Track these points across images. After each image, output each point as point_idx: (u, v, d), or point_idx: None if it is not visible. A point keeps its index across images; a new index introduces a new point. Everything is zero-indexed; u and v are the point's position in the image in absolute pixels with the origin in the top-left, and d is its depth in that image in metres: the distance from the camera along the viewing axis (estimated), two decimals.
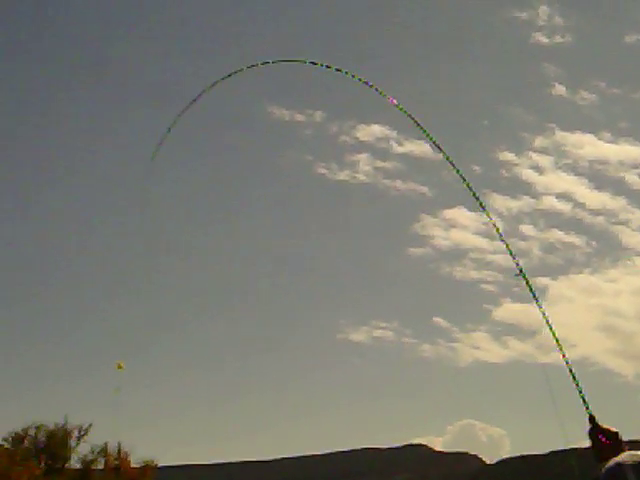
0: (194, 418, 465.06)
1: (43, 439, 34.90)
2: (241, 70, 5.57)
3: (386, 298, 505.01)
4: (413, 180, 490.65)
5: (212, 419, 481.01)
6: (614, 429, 3.45)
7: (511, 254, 4.14)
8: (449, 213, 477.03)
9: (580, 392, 3.93)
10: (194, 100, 6.01)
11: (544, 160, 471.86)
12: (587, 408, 3.86)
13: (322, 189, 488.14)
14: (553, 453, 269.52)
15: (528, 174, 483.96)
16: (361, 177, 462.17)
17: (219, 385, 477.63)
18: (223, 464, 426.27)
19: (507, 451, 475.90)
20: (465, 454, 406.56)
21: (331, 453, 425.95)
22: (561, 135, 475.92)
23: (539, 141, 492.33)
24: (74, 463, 35.09)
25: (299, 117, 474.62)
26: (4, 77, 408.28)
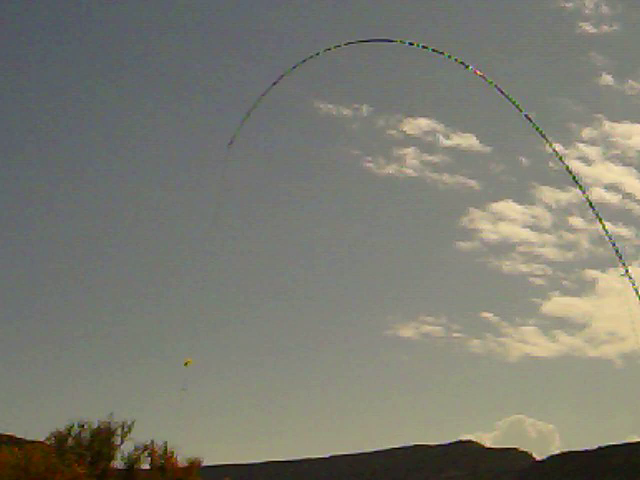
0: (239, 417, 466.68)
1: (87, 437, 34.88)
2: (329, 49, 5.31)
3: (434, 293, 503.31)
4: (460, 173, 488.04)
5: (258, 418, 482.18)
6: None
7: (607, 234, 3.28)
8: (497, 206, 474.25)
9: None
10: (274, 83, 5.73)
11: (592, 151, 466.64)
12: None
13: (369, 183, 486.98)
14: (602, 449, 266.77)
15: (576, 165, 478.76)
16: (408, 171, 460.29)
17: (266, 383, 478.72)
18: (269, 463, 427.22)
19: (557, 447, 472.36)
20: (515, 450, 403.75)
21: (381, 450, 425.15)
22: (609, 125, 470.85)
23: (587, 132, 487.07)
24: (119, 462, 35.01)
25: (346, 111, 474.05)
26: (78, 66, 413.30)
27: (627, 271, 4.29)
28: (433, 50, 5.41)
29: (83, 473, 26.65)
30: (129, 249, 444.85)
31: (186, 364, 29.63)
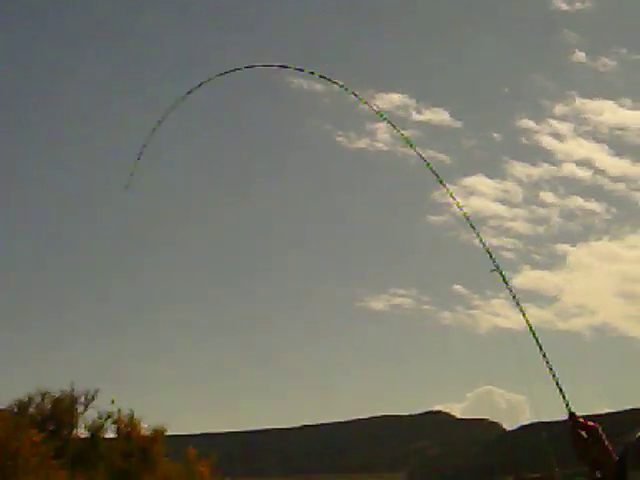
0: (206, 387, 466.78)
1: (49, 406, 34.20)
2: (233, 71, 4.70)
3: (405, 266, 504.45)
4: (432, 148, 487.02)
5: (228, 387, 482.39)
6: (592, 424, 2.86)
7: (486, 249, 4.37)
8: (468, 181, 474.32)
9: (560, 390, 3.34)
10: (189, 92, 5.07)
11: (564, 127, 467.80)
12: (567, 405, 3.36)
13: (341, 157, 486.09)
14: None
15: (548, 141, 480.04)
16: (380, 145, 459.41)
17: (235, 355, 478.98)
18: (241, 432, 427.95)
19: (527, 417, 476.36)
20: (485, 420, 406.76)
21: (351, 420, 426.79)
22: (581, 102, 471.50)
23: (559, 108, 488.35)
24: (82, 430, 34.37)
25: (317, 86, 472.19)
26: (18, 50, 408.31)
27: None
28: (321, 76, 4.92)
29: (40, 440, 25.94)
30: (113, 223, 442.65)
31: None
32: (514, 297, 3.44)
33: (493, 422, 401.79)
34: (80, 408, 34.67)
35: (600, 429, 2.83)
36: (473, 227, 3.52)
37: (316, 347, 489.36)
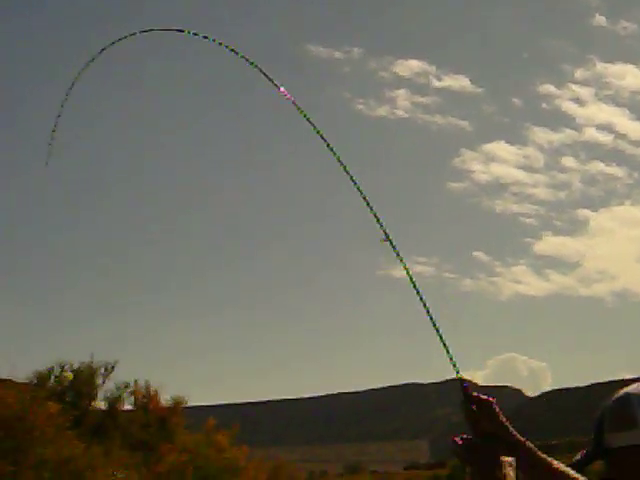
0: (226, 357, 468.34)
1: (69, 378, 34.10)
2: (132, 35, 4.18)
3: (426, 233, 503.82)
4: (452, 115, 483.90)
5: (247, 358, 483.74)
6: (486, 397, 2.68)
7: (374, 215, 3.27)
8: (489, 147, 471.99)
9: (447, 351, 2.80)
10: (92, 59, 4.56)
11: (585, 92, 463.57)
12: (455, 367, 2.86)
13: (361, 125, 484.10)
14: (593, 385, 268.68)
15: (569, 106, 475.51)
16: (400, 113, 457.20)
17: (256, 323, 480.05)
18: (264, 402, 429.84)
19: (549, 384, 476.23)
20: (507, 388, 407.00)
21: (374, 389, 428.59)
22: (602, 66, 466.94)
23: (580, 73, 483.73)
24: (100, 402, 34.24)
25: (337, 54, 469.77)
26: None
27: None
28: (226, 47, 4.56)
29: (57, 412, 25.81)
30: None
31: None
32: (405, 266, 3.27)
33: (515, 389, 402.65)
34: (99, 380, 34.53)
35: (495, 404, 2.70)
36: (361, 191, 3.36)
37: (338, 315, 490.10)
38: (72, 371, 33.82)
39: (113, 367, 34.31)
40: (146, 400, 35.43)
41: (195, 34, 4.25)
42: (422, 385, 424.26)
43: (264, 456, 48.48)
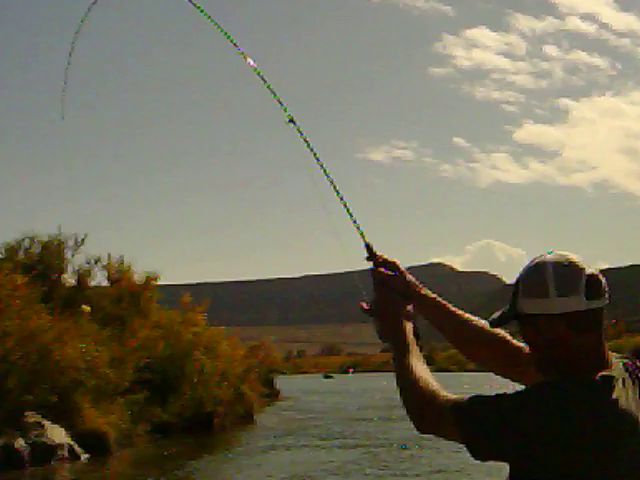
0: (208, 236, 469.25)
1: (37, 251, 32.85)
2: None
3: (406, 118, 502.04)
4: None
5: (224, 238, 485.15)
6: (391, 258, 2.82)
7: (277, 100, 3.13)
8: (471, 33, 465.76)
9: (354, 222, 2.93)
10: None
11: None
12: (362, 236, 2.96)
13: (339, 10, 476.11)
14: None
15: None
16: None
17: (235, 203, 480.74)
18: (241, 282, 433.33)
19: None
20: (484, 274, 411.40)
21: (351, 272, 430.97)
22: None
23: None
24: (70, 275, 33.04)
25: None
26: None
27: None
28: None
29: (23, 284, 24.68)
30: None
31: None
32: (312, 151, 3.09)
33: (493, 275, 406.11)
34: (69, 253, 33.29)
35: (399, 263, 2.91)
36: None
37: (315, 197, 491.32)
38: (41, 244, 32.63)
39: (83, 240, 33.09)
40: (119, 275, 34.41)
41: None
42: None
43: (241, 335, 47.88)
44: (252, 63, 3.26)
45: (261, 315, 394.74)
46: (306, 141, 3.14)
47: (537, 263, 2.41)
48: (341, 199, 3.05)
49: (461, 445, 2.30)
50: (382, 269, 2.90)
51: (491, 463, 2.38)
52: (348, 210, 3.05)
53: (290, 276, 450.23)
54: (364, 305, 2.83)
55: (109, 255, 34.54)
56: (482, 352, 2.86)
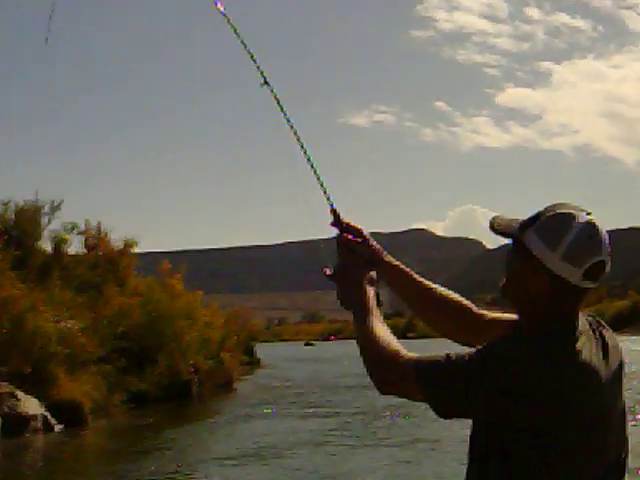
0: (185, 203, 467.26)
1: (12, 217, 32.25)
2: None
3: (387, 81, 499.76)
4: None
5: (202, 205, 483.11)
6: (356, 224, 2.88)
7: (252, 58, 3.02)
8: None
9: (321, 184, 3.01)
10: None
11: None
12: (328, 200, 3.03)
13: None
14: None
15: None
16: None
17: (214, 169, 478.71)
18: (220, 249, 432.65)
19: None
20: (466, 239, 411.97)
21: (333, 237, 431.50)
22: None
23: None
24: (45, 242, 32.46)
25: None
26: None
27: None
28: None
29: None
30: None
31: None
32: (284, 113, 3.07)
33: (475, 241, 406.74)
34: (44, 219, 32.67)
35: (366, 232, 2.94)
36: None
37: (296, 163, 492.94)
38: (16, 209, 32.04)
39: (59, 205, 32.48)
40: (96, 241, 33.90)
41: None
42: (380, 234, 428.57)
43: (220, 303, 47.57)
44: (222, 10, 3.13)
45: (241, 283, 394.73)
46: (279, 103, 3.12)
47: (571, 215, 2.33)
48: (308, 160, 3.08)
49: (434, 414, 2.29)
50: (347, 235, 2.94)
51: (467, 432, 2.37)
52: (316, 173, 3.07)
53: (271, 243, 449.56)
54: (327, 271, 2.89)
55: (86, 221, 34.09)
56: (442, 319, 2.87)
